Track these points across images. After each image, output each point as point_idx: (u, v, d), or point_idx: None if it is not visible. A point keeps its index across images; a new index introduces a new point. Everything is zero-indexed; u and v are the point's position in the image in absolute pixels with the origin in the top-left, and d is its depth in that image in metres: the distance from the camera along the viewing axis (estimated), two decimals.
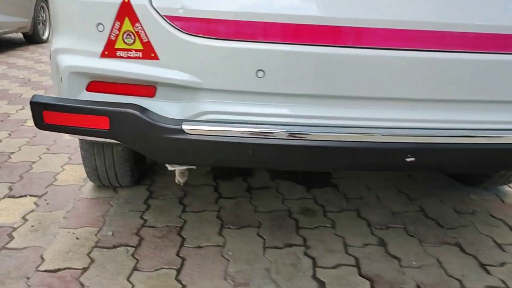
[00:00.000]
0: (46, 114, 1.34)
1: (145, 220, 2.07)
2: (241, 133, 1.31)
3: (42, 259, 1.75)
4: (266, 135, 1.32)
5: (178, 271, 1.71)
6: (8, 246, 1.83)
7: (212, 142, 1.32)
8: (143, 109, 1.34)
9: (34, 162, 2.68)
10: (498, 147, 1.39)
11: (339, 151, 1.35)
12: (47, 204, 2.19)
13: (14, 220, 2.02)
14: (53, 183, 2.42)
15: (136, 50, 1.35)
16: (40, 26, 7.43)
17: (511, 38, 1.35)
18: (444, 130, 1.39)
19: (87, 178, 2.35)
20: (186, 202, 2.26)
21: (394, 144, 1.35)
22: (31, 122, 3.41)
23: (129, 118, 1.31)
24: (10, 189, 2.33)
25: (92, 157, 2.10)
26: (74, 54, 1.38)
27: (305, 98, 1.38)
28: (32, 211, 2.12)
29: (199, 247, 1.88)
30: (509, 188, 2.63)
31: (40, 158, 2.75)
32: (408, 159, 1.37)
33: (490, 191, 2.55)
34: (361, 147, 1.34)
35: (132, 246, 1.85)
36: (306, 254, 1.86)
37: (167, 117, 1.35)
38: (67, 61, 1.38)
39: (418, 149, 1.36)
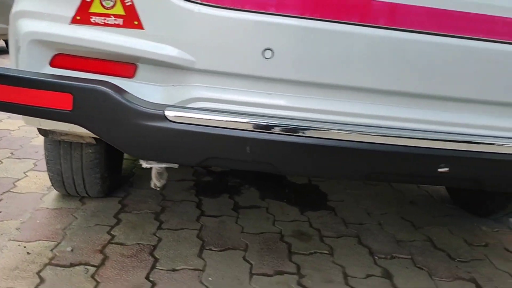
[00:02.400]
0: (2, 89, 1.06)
1: (113, 236, 1.76)
2: (240, 124, 1.04)
3: None
4: (269, 130, 1.05)
5: None
6: None
7: (202, 133, 1.05)
8: (117, 88, 1.06)
9: None
10: None
11: (357, 154, 1.09)
12: (0, 212, 1.87)
13: None
14: (11, 190, 2.11)
15: (116, 16, 1.10)
16: None
17: None
18: (486, 137, 1.14)
19: (52, 187, 2.04)
20: (163, 219, 1.97)
21: (425, 149, 1.09)
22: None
23: (98, 97, 1.04)
24: None
25: (57, 159, 1.81)
26: (37, 18, 1.11)
27: (320, 88, 1.12)
28: None
29: (174, 270, 1.58)
30: None
31: (1, 162, 2.43)
32: (440, 170, 1.11)
33: (501, 223, 2.32)
34: (386, 151, 1.08)
35: (93, 266, 1.55)
36: (300, 283, 1.58)
37: (147, 101, 1.07)
38: (28, 26, 1.11)
39: (454, 158, 1.11)
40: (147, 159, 1.21)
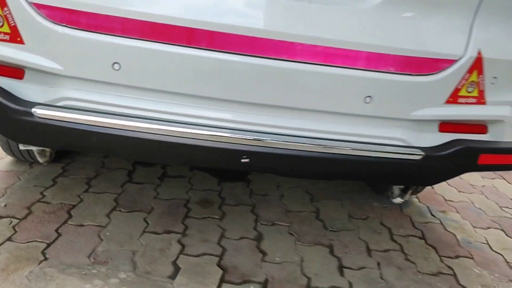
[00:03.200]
0: None
1: (44, 196, 2.19)
2: (85, 120, 1.42)
3: None
4: (108, 125, 1.43)
5: (49, 245, 1.83)
6: None
7: (57, 126, 1.43)
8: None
9: None
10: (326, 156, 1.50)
11: (175, 146, 1.45)
12: None
13: None
14: None
15: (4, 33, 1.46)
16: None
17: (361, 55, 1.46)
18: (278, 136, 1.49)
19: None
20: (93, 183, 2.38)
21: (229, 144, 1.45)
22: None
23: None
24: None
25: None
26: None
27: (157, 93, 1.48)
28: None
29: (81, 225, 1.99)
30: (415, 199, 2.73)
31: None
32: (243, 160, 1.47)
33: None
34: (194, 144, 1.44)
35: (17, 219, 1.98)
36: (179, 241, 1.97)
37: (21, 99, 1.45)
38: None
39: (253, 152, 1.47)
40: (23, 143, 1.61)
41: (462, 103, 1.60)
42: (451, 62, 1.53)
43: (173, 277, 1.74)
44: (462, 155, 1.58)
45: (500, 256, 2.22)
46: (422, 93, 1.55)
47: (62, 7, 1.39)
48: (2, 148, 2.36)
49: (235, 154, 1.47)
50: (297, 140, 1.50)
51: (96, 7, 1.38)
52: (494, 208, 2.76)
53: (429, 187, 2.93)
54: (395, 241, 2.22)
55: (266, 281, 1.80)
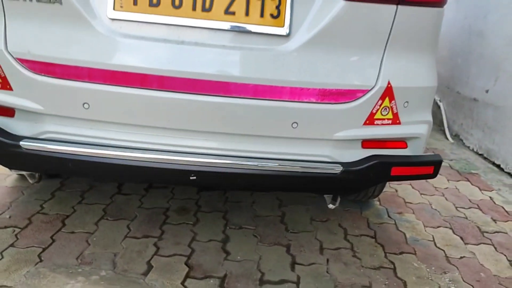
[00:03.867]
0: None
1: (43, 208, 2.56)
2: (61, 150, 1.78)
3: None
4: (80, 153, 1.78)
5: (44, 249, 2.19)
6: None
7: (39, 155, 1.79)
8: None
9: None
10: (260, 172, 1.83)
11: (137, 168, 1.80)
12: None
13: None
14: None
15: None
16: None
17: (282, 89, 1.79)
18: (220, 157, 1.82)
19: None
20: (86, 196, 2.74)
21: (180, 166, 1.79)
22: None
23: None
24: None
25: None
26: None
27: (119, 125, 1.83)
28: None
29: (73, 232, 2.36)
30: (376, 203, 3.03)
31: None
32: (191, 177, 1.81)
33: (357, 203, 2.95)
34: (152, 167, 1.79)
35: (19, 228, 2.35)
36: (155, 244, 2.32)
37: (11, 134, 1.81)
38: None
39: (199, 171, 1.81)
40: (15, 169, 1.98)
41: (378, 124, 1.91)
42: (364, 91, 1.85)
43: (146, 274, 2.09)
44: (376, 168, 1.89)
45: (442, 251, 2.52)
46: (342, 118, 1.87)
47: (40, 61, 1.75)
48: None
49: (185, 173, 1.81)
50: (237, 160, 1.83)
51: (66, 60, 1.74)
52: (449, 208, 3.04)
53: (393, 190, 3.23)
54: (348, 241, 2.53)
55: (225, 276, 2.13)
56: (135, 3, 1.75)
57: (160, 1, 1.74)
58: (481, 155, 4.08)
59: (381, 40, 1.84)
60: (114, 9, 1.75)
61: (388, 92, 1.86)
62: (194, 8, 1.75)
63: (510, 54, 3.71)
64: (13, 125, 1.87)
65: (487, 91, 4.00)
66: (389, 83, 1.85)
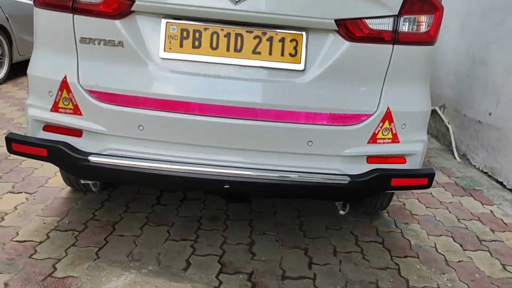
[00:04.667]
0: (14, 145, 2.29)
1: (95, 215, 2.99)
2: (120, 164, 2.21)
3: (17, 234, 2.70)
4: (135, 166, 2.21)
5: (100, 248, 2.61)
6: None
7: (104, 168, 2.22)
8: (67, 145, 2.25)
9: (36, 168, 3.67)
10: (288, 183, 2.23)
11: (183, 178, 2.22)
12: (34, 199, 3.16)
13: (8, 208, 3.00)
14: (44, 185, 3.39)
15: (69, 109, 2.28)
16: None
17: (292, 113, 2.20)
18: (250, 169, 2.23)
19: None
20: (130, 206, 3.17)
21: (217, 176, 2.21)
22: None
23: (57, 150, 2.23)
24: (13, 187, 3.32)
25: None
26: (35, 108, 2.32)
27: (168, 144, 2.26)
28: (22, 203, 3.09)
29: (122, 235, 2.77)
30: (385, 214, 3.39)
31: (42, 165, 3.73)
32: (226, 186, 2.22)
33: (368, 215, 3.31)
34: (194, 177, 2.21)
35: (77, 231, 2.78)
36: (191, 246, 2.72)
37: (81, 150, 2.25)
38: (31, 112, 2.32)
39: (232, 181, 2.22)
40: (84, 179, 2.43)
41: (380, 143, 2.30)
42: (368, 115, 2.24)
43: (185, 269, 2.49)
44: (378, 179, 2.27)
45: (442, 256, 2.85)
46: (349, 138, 2.26)
47: (105, 92, 2.20)
48: (64, 181, 3.19)
49: (220, 182, 2.22)
50: (263, 172, 2.23)
51: (125, 91, 2.18)
52: (452, 220, 3.38)
53: (401, 203, 3.58)
54: (358, 245, 2.89)
55: (252, 272, 2.51)
56: (181, 45, 2.19)
57: (201, 44, 2.18)
58: (485, 173, 4.40)
59: (381, 73, 2.24)
60: (164, 50, 2.19)
61: (387, 116, 2.25)
62: (228, 49, 2.19)
63: (509, 80, 4.07)
64: (81, 144, 2.31)
65: (490, 114, 4.34)
66: (388, 108, 2.25)
